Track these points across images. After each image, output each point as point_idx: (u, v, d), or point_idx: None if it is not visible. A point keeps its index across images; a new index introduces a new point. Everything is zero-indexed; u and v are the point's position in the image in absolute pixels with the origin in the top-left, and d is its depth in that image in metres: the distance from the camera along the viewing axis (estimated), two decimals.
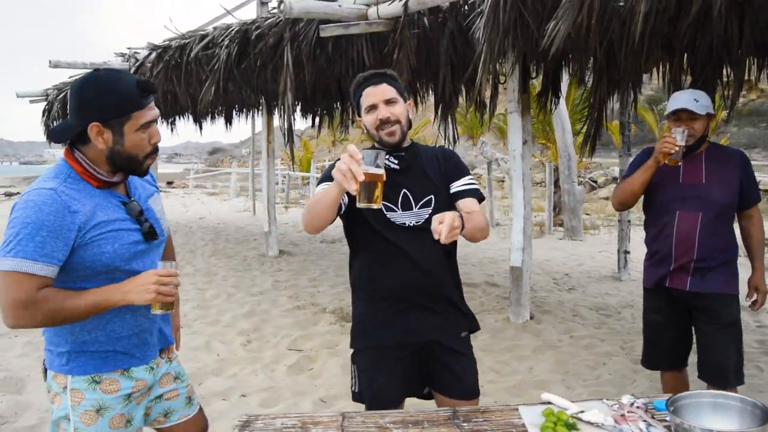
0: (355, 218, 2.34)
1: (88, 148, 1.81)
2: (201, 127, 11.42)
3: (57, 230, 1.69)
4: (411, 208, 2.32)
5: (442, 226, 1.87)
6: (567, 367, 4.54)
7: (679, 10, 3.19)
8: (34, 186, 1.76)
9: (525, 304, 5.56)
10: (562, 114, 10.97)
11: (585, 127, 5.20)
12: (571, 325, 5.57)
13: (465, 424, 2.03)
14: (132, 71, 7.67)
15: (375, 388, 2.38)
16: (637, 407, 2.11)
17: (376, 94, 2.30)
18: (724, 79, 4.38)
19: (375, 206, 1.88)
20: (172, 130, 11.59)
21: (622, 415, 2.04)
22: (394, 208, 2.32)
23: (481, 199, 2.42)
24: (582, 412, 2.05)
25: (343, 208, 2.29)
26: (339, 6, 4.33)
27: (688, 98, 3.03)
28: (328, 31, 4.42)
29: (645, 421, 2.00)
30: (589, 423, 1.99)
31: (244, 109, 10.88)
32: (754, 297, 3.16)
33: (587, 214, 14.73)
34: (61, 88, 10.37)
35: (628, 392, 4.02)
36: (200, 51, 6.29)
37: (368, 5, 4.41)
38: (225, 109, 10.94)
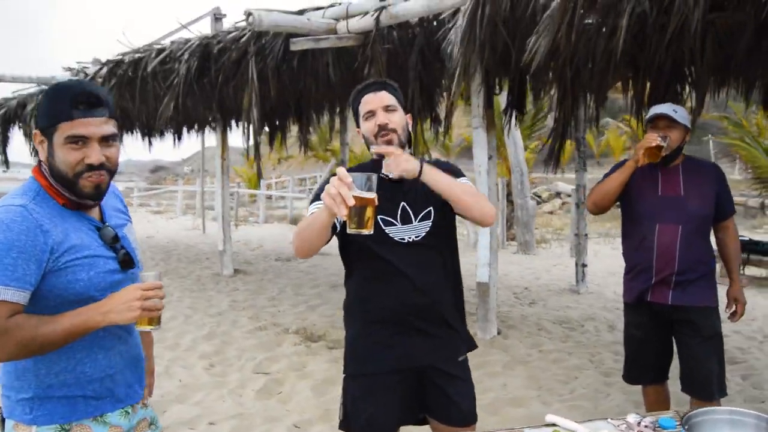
0: (350, 236, 2.23)
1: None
2: (150, 144, 11.07)
3: (29, 251, 1.52)
4: (411, 222, 2.22)
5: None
6: (539, 382, 4.52)
7: (654, 29, 3.24)
8: (1, 203, 1.58)
9: (492, 320, 5.54)
10: (513, 130, 11.14)
11: (548, 142, 5.24)
12: (537, 339, 5.58)
13: None
14: None
15: (366, 418, 2.24)
16: (645, 426, 2.08)
17: (375, 101, 2.22)
18: (685, 97, 4.52)
19: (366, 232, 1.79)
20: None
21: None
22: (394, 222, 2.21)
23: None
24: None
25: (338, 228, 2.18)
26: (308, 20, 4.25)
27: (668, 108, 3.08)
28: (298, 45, 4.33)
29: None
30: None
31: (195, 126, 10.59)
32: (734, 308, 3.21)
33: (536, 228, 14.98)
34: (1, 103, 9.87)
35: (604, 406, 4.07)
36: (157, 66, 6.06)
37: (337, 19, 4.34)
38: (176, 125, 10.62)
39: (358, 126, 2.31)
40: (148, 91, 6.43)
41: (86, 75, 7.28)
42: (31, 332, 1.51)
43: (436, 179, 2.06)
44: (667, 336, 3.19)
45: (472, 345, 2.42)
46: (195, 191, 22.38)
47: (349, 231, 1.79)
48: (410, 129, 2.30)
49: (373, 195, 1.78)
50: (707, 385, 3.00)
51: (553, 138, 5.16)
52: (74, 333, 1.56)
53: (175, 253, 11.07)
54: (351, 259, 2.30)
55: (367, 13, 4.05)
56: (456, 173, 2.32)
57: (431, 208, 2.24)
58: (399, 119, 2.21)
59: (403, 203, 2.22)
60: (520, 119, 5.49)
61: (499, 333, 5.60)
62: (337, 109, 8.35)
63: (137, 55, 6.59)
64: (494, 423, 3.73)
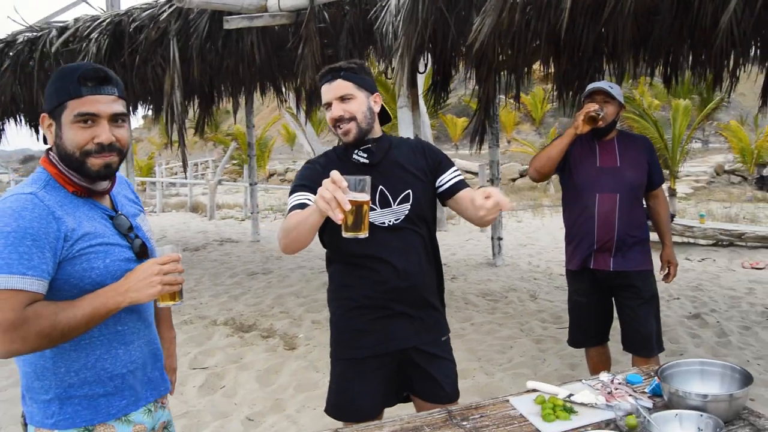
0: (331, 223, 2.19)
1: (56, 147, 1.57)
2: (38, 132, 10.24)
3: (43, 239, 1.45)
4: (390, 205, 2.22)
5: (490, 200, 1.78)
6: (478, 353, 4.67)
7: (587, 11, 3.40)
8: (10, 193, 1.50)
9: None
10: (420, 107, 11.32)
11: (473, 122, 5.37)
12: (467, 314, 5.75)
13: (465, 423, 1.99)
14: None
15: (352, 401, 2.27)
16: (620, 383, 2.21)
17: (329, 92, 2.19)
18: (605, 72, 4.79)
19: (362, 235, 1.78)
20: None
21: (610, 393, 2.12)
22: (373, 206, 2.19)
23: (466, 187, 2.32)
24: (571, 395, 2.11)
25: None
26: None
27: (604, 83, 3.27)
28: (233, 24, 4.14)
29: (631, 395, 2.09)
30: (583, 405, 2.05)
31: None
32: (667, 270, 3.46)
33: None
34: None
35: (544, 371, 4.27)
36: (60, 46, 5.59)
37: None
38: None
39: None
40: (47, 73, 5.92)
41: None
42: (51, 320, 1.44)
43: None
44: (608, 300, 3.39)
45: (447, 327, 2.46)
46: None
47: (345, 235, 1.76)
48: (376, 107, 2.25)
49: (367, 197, 1.75)
50: (648, 343, 3.22)
51: (476, 117, 5.28)
52: (95, 316, 1.49)
53: None
54: (332, 245, 2.28)
55: None
56: (450, 163, 2.34)
57: (410, 190, 2.23)
58: (357, 106, 2.17)
59: (381, 187, 2.21)
60: (444, 98, 5.58)
61: None
62: (264, 90, 8.02)
63: (33, 34, 6.05)
64: None
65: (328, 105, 2.19)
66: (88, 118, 1.52)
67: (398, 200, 2.22)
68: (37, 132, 10.32)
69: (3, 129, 9.98)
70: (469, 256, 8.70)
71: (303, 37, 4.07)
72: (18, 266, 1.42)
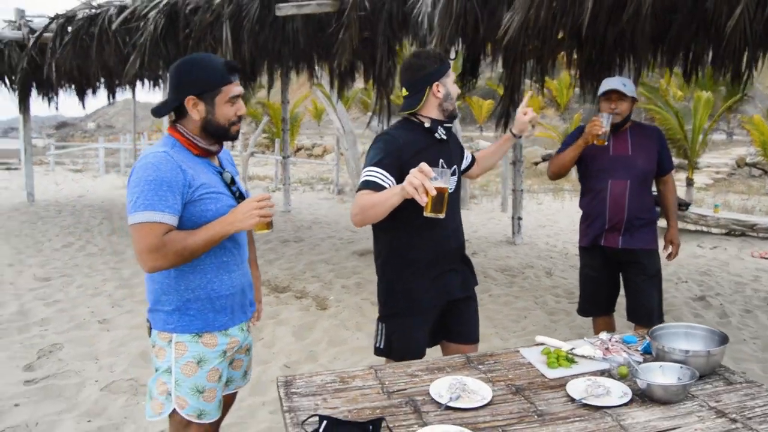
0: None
1: (186, 121, 2.06)
2: (83, 101, 10.76)
3: (174, 185, 1.93)
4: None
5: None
6: (494, 321, 5.06)
7: (611, 8, 3.70)
8: (148, 152, 1.99)
9: None
10: None
11: (499, 106, 5.70)
12: (486, 286, 6.14)
13: (481, 366, 2.39)
14: (31, 42, 7.14)
15: (407, 346, 2.63)
16: (616, 341, 2.59)
17: (452, 75, 2.63)
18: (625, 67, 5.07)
19: (441, 216, 2.18)
20: (50, 104, 10.79)
21: (607, 349, 2.50)
22: (436, 176, 2.56)
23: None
24: (573, 348, 2.49)
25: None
26: None
27: (617, 82, 3.57)
28: (283, 11, 4.52)
29: (625, 351, 2.47)
30: (583, 357, 2.43)
31: (117, 82, 10.27)
32: (670, 249, 3.80)
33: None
34: None
35: (554, 338, 4.65)
36: (119, 24, 6.01)
37: None
38: (108, 82, 10.32)
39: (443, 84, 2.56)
40: (111, 48, 6.36)
41: (31, 29, 7.06)
42: (182, 243, 1.93)
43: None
44: (616, 275, 3.75)
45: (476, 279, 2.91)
46: (119, 149, 21.71)
47: (426, 214, 2.16)
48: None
49: (447, 185, 2.14)
50: (650, 314, 3.58)
51: (503, 100, 5.60)
52: (211, 241, 1.98)
53: (116, 212, 10.93)
54: (398, 209, 2.46)
55: None
56: (463, 149, 2.89)
57: (456, 165, 2.69)
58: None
59: (441, 160, 2.60)
60: (474, 83, 5.91)
61: None
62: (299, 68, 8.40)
63: (92, 11, 6.48)
64: None
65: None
66: (236, 99, 2.06)
67: (451, 172, 2.60)
68: (83, 100, 10.82)
69: (54, 97, 10.48)
70: (490, 234, 9.07)
71: (344, 23, 4.42)
72: (159, 205, 1.91)
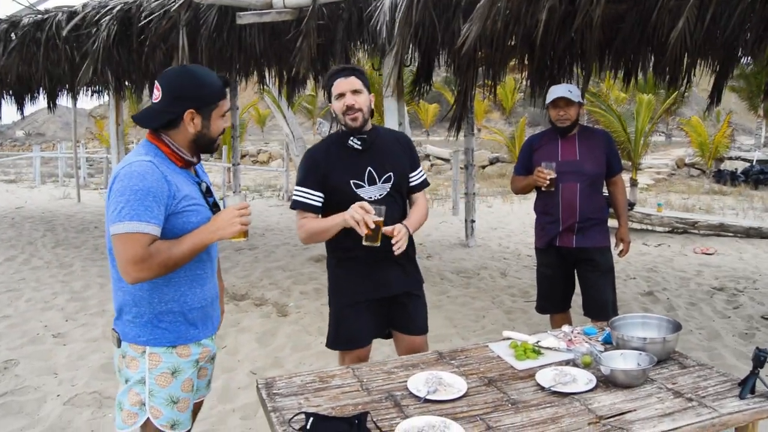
0: (329, 198, 2.78)
1: (175, 133, 2.06)
2: (22, 108, 10.40)
3: (159, 196, 1.93)
4: (375, 183, 2.80)
5: (400, 243, 2.63)
6: (454, 322, 5.18)
7: (562, 19, 3.88)
8: (131, 159, 1.97)
9: None
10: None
11: (451, 112, 5.84)
12: (443, 287, 6.26)
13: (453, 361, 2.50)
14: None
15: (350, 335, 2.88)
16: (578, 333, 2.73)
17: (345, 84, 2.74)
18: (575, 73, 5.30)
19: (376, 245, 2.55)
20: None
21: (570, 340, 2.64)
22: (362, 184, 2.78)
23: (427, 185, 3.04)
24: (539, 341, 2.62)
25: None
26: None
27: (564, 89, 3.74)
28: (244, 19, 4.53)
29: (587, 342, 2.61)
30: (548, 348, 2.56)
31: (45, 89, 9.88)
32: (621, 247, 3.99)
33: None
34: None
35: None
36: (70, 31, 5.87)
37: None
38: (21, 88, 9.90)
39: (329, 102, 2.80)
40: (53, 55, 6.20)
41: None
42: (167, 253, 1.94)
43: (413, 229, 2.84)
44: (571, 273, 3.91)
45: (422, 277, 3.09)
46: (55, 157, 21.01)
47: (365, 243, 2.53)
48: (372, 107, 2.83)
49: (382, 218, 2.52)
50: (604, 309, 3.74)
51: (456, 106, 5.75)
52: (195, 250, 2.00)
53: (58, 224, 10.61)
54: (330, 215, 2.76)
55: None
56: (418, 162, 3.01)
57: (391, 173, 2.83)
58: (364, 100, 2.75)
59: (369, 168, 2.80)
60: (426, 90, 6.03)
61: None
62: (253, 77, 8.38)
63: (39, 16, 6.31)
64: None
65: (341, 95, 2.72)
66: (227, 113, 2.14)
67: (382, 179, 2.80)
68: (21, 110, 10.46)
69: None
70: (443, 237, 9.22)
71: (303, 32, 4.48)
72: (144, 215, 1.91)
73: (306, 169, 2.80)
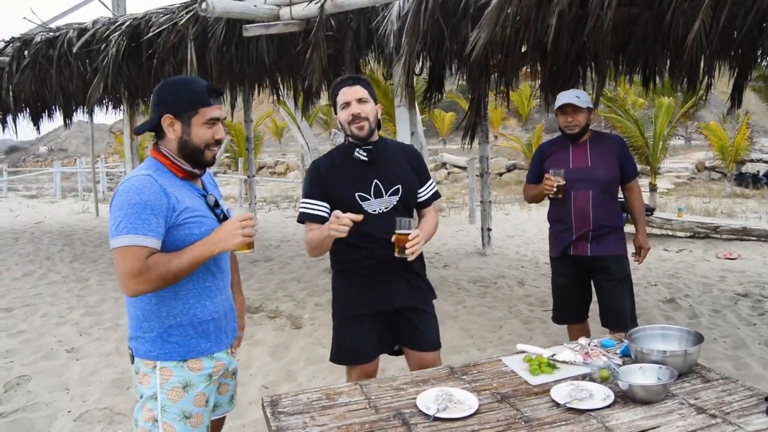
0: (331, 213, 2.67)
1: (166, 142, 2.05)
2: (38, 125, 10.49)
3: (158, 209, 1.92)
4: (382, 196, 2.73)
5: (415, 248, 2.50)
6: (470, 332, 5.09)
7: (572, 23, 3.80)
8: (131, 175, 1.97)
9: None
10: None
11: (465, 120, 5.77)
12: (459, 297, 6.17)
13: (465, 377, 2.41)
14: None
15: (354, 349, 2.80)
16: (595, 346, 2.64)
17: (350, 93, 2.68)
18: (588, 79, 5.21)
19: (403, 257, 2.51)
20: (3, 128, 10.48)
21: (587, 353, 2.54)
22: (368, 197, 2.71)
23: (437, 198, 2.97)
24: (554, 354, 2.53)
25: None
26: (255, 6, 4.45)
27: (571, 95, 3.66)
28: (251, 31, 4.52)
29: (605, 355, 2.51)
30: (564, 362, 2.47)
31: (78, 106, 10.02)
32: (640, 254, 3.87)
33: None
34: None
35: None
36: (81, 47, 5.91)
37: (279, 6, 4.56)
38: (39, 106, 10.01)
39: (335, 112, 2.74)
40: (73, 71, 6.25)
41: None
42: (166, 266, 1.91)
43: (425, 240, 2.68)
44: (587, 283, 3.81)
45: (433, 293, 2.97)
46: (75, 172, 21.27)
47: (397, 255, 2.51)
48: (379, 117, 2.77)
49: (409, 231, 2.49)
50: (622, 318, 3.64)
51: (468, 114, 5.68)
52: (196, 262, 1.95)
53: (77, 238, 10.70)
54: None
55: (311, 1, 4.32)
56: (428, 174, 2.93)
57: (399, 185, 2.75)
58: (370, 109, 2.69)
59: (375, 180, 2.73)
60: (438, 98, 5.98)
61: None
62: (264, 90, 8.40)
63: (51, 34, 6.37)
64: None
65: (347, 104, 2.67)
66: (214, 122, 2.05)
67: (389, 192, 2.73)
68: (37, 126, 10.58)
69: (6, 122, 10.21)
70: (459, 246, 9.13)
71: (312, 43, 4.45)
72: (141, 228, 1.89)
73: (311, 181, 2.75)
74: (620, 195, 3.83)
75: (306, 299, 6.21)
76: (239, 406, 3.75)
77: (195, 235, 1.99)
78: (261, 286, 6.87)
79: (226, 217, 2.15)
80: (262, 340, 4.99)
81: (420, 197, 2.87)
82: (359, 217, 2.45)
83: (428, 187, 2.90)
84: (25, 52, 6.58)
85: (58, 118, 10.42)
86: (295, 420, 2.07)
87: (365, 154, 2.70)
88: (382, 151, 2.75)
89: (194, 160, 2.08)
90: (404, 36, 4.07)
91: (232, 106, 10.11)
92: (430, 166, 25.02)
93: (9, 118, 9.92)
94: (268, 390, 4.05)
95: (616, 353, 2.55)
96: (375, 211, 2.69)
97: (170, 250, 1.96)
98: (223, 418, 2.37)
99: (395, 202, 2.72)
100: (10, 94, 6.83)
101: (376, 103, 2.75)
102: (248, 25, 4.52)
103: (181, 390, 2.03)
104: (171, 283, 1.96)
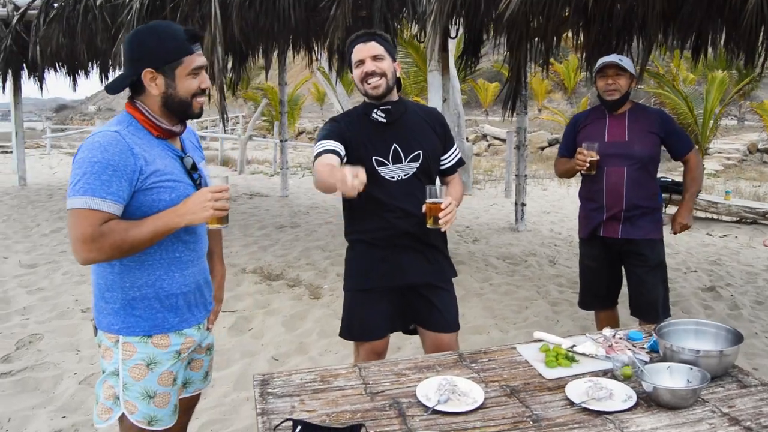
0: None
1: (145, 98, 1.85)
2: (75, 83, 10.53)
3: (122, 170, 1.72)
4: (401, 162, 2.50)
5: (448, 217, 2.29)
6: (495, 312, 4.87)
7: None
8: (98, 130, 1.78)
9: None
10: (450, 71, 11.33)
11: (504, 89, 5.47)
12: (487, 274, 5.94)
13: (474, 365, 2.21)
14: (15, 19, 6.93)
15: (363, 324, 2.62)
16: (620, 338, 2.40)
17: (364, 50, 2.45)
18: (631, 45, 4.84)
19: (435, 227, 2.31)
20: (41, 85, 10.53)
21: (610, 346, 2.31)
22: (385, 161, 2.49)
23: (462, 165, 2.75)
24: (574, 345, 2.30)
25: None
26: None
27: (614, 57, 3.36)
28: None
29: (630, 349, 2.27)
30: (584, 354, 2.24)
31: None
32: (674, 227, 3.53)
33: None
34: None
35: (556, 331, 4.46)
36: (104, 1, 5.79)
37: None
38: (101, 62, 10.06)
39: (351, 71, 2.52)
40: (98, 26, 6.14)
41: (16, 6, 6.83)
42: (122, 234, 1.72)
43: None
44: (617, 266, 3.54)
45: (454, 271, 2.76)
46: None
47: (429, 227, 2.32)
48: (398, 76, 2.53)
49: (441, 200, 2.28)
50: (653, 308, 3.38)
51: (508, 82, 5.38)
52: (157, 234, 1.76)
53: None
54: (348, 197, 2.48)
55: None
56: (452, 140, 2.70)
57: (420, 151, 2.51)
58: (387, 66, 2.45)
59: (394, 144, 2.49)
60: (474, 64, 5.67)
61: None
62: (296, 49, 8.19)
63: None
64: (460, 349, 4.03)
65: (361, 62, 2.45)
66: (198, 71, 1.85)
67: (409, 158, 2.50)
68: (74, 82, 10.61)
69: (44, 78, 10.25)
70: (492, 221, 8.86)
71: None
72: (99, 191, 1.70)
73: (329, 131, 2.50)
74: (660, 174, 3.51)
75: (328, 269, 6.06)
76: (245, 377, 3.65)
77: (164, 201, 1.80)
78: (284, 252, 6.75)
79: (205, 184, 1.95)
80: (278, 309, 4.86)
81: (444, 164, 2.65)
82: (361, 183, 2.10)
83: (452, 153, 2.68)
84: (54, 5, 6.48)
85: (94, 77, 10.44)
86: (283, 403, 1.91)
87: (383, 115, 2.48)
88: (402, 113, 2.53)
89: (182, 114, 1.88)
90: None
91: (267, 69, 9.98)
92: (470, 137, 24.58)
93: (45, 74, 9.90)
94: (277, 362, 3.92)
95: (644, 348, 2.31)
96: (393, 177, 2.49)
97: (135, 216, 1.78)
98: (198, 395, 2.21)
99: (415, 169, 2.51)
100: (38, 48, 6.76)
101: (395, 61, 2.52)
102: None
103: (145, 368, 1.87)
104: (128, 254, 1.78)
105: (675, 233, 3.58)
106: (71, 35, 6.53)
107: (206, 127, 28.34)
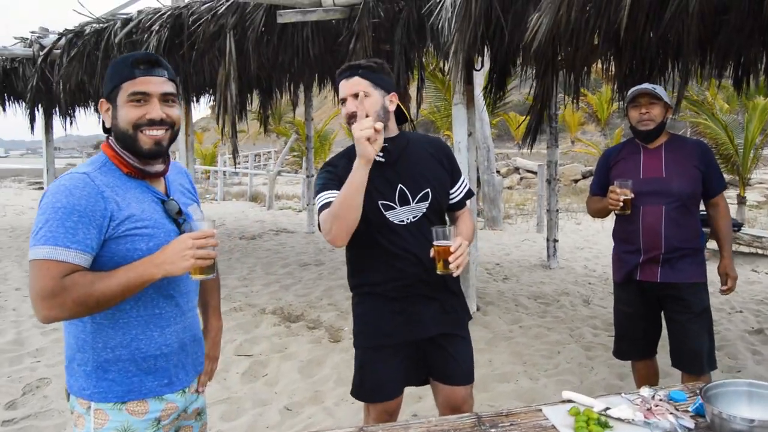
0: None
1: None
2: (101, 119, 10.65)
3: (89, 215, 1.54)
4: (408, 203, 2.30)
5: (460, 260, 2.05)
6: (524, 357, 4.57)
7: (650, 8, 3.26)
8: (67, 172, 1.61)
9: (472, 296, 5.58)
10: (479, 104, 11.15)
11: (527, 120, 5.26)
12: (516, 315, 5.64)
13: (493, 430, 1.95)
14: (39, 59, 7.02)
15: (375, 384, 2.39)
16: (661, 400, 2.12)
17: (345, 88, 2.24)
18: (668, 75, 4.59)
19: (446, 272, 2.09)
20: (71, 122, 10.68)
21: (649, 409, 2.03)
22: (393, 205, 2.29)
23: (471, 196, 2.52)
24: (608, 408, 2.03)
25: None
26: None
27: (646, 85, 3.12)
28: (285, 17, 4.19)
29: (672, 413, 2.00)
30: (619, 420, 1.97)
31: None
32: (726, 284, 3.25)
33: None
34: None
35: (590, 380, 4.14)
36: (123, 37, 5.80)
37: None
38: None
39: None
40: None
41: (41, 46, 6.93)
42: (87, 288, 1.51)
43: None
44: (656, 312, 3.24)
45: (469, 313, 2.55)
46: None
47: (440, 272, 2.09)
48: (392, 107, 2.27)
49: (450, 242, 2.06)
50: (698, 359, 3.06)
51: (531, 114, 5.17)
52: (130, 287, 1.55)
53: None
54: (353, 243, 2.26)
55: None
56: (460, 172, 2.48)
57: (429, 189, 2.30)
58: (371, 104, 2.20)
59: (400, 185, 2.28)
60: (500, 96, 5.48)
61: (478, 309, 5.64)
62: (314, 85, 8.15)
63: (100, 25, 6.31)
64: (485, 399, 3.76)
65: (343, 101, 2.24)
66: (140, 98, 1.61)
67: (417, 198, 2.29)
68: (100, 119, 10.75)
69: (72, 115, 10.40)
70: (523, 257, 8.55)
71: (356, 32, 4.07)
72: (62, 239, 1.51)
73: (325, 179, 2.28)
74: (702, 208, 3.24)
75: (350, 309, 5.81)
76: (255, 429, 3.42)
77: (140, 251, 1.59)
78: (307, 292, 6.56)
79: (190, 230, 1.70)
80: (295, 354, 4.64)
81: (452, 198, 2.42)
82: (381, 125, 2.01)
83: (461, 185, 2.45)
84: (78, 43, 6.53)
85: None
86: None
87: (381, 154, 2.22)
88: (404, 148, 2.30)
89: (132, 150, 1.64)
90: (453, 22, 3.61)
91: (293, 104, 9.95)
92: (502, 170, 24.29)
93: (74, 111, 10.05)
94: (290, 413, 3.69)
95: (688, 411, 2.02)
96: (402, 221, 2.27)
97: (108, 268, 1.57)
98: None
99: (425, 209, 2.29)
100: (60, 85, 6.80)
101: (389, 91, 2.25)
102: (282, 11, 4.18)
103: None
104: (96, 311, 1.57)
105: (729, 290, 3.26)
106: (92, 73, 6.57)
107: (238, 163, 28.66)
